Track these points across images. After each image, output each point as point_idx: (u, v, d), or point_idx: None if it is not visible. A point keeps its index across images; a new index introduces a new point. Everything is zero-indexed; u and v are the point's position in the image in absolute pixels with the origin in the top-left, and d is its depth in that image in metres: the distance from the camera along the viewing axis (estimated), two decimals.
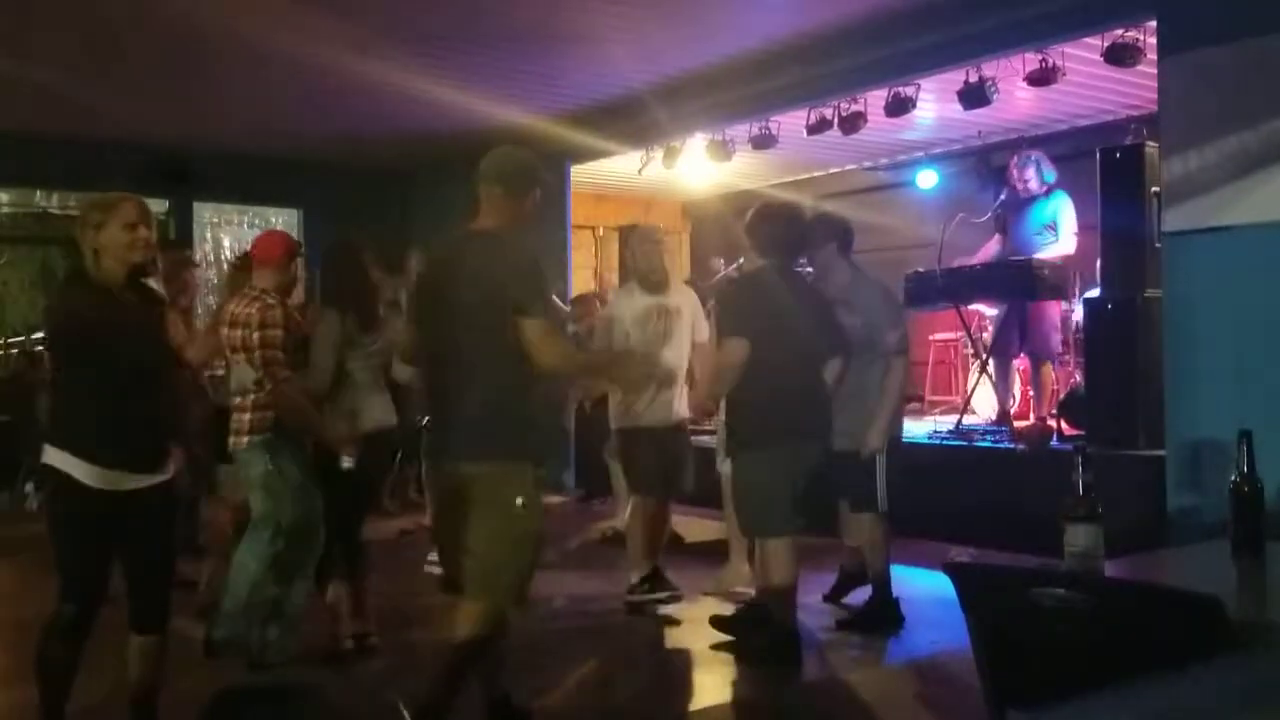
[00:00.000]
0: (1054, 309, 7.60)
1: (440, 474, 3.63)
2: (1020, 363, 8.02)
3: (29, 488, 9.89)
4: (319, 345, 4.66)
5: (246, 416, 4.43)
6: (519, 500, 3.37)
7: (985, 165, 10.05)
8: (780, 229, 4.78)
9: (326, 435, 4.52)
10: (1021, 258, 7.42)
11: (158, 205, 11.77)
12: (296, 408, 4.42)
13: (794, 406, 4.54)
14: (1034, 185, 7.65)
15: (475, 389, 3.39)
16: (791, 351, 4.54)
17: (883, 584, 5.20)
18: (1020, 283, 7.28)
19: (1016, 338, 7.64)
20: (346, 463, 4.56)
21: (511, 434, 3.43)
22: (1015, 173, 7.74)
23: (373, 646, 4.76)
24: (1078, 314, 7.86)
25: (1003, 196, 8.06)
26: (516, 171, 3.69)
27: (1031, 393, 7.82)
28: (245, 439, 4.42)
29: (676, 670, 4.78)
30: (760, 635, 4.70)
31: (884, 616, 5.16)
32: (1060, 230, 7.46)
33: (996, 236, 8.04)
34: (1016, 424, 7.58)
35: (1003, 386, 7.85)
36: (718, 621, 5.00)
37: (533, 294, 3.40)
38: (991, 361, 7.94)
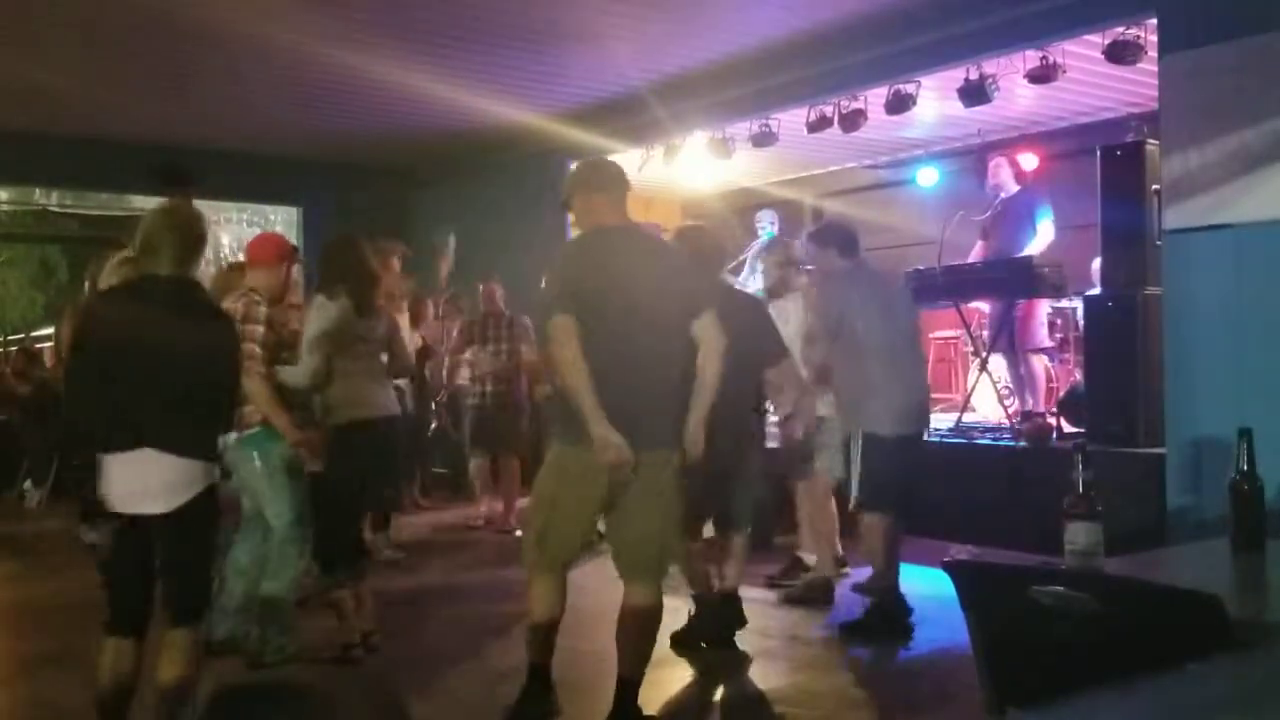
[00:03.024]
0: (1039, 303, 7.63)
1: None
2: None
3: (28, 485, 9.89)
4: (307, 332, 4.64)
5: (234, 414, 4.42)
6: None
7: (985, 163, 10.04)
8: (701, 247, 4.85)
9: (292, 437, 4.48)
10: (1021, 255, 7.44)
11: (156, 203, 11.79)
12: (264, 404, 4.41)
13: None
14: (1005, 179, 7.75)
15: (670, 381, 3.74)
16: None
17: (887, 592, 5.16)
18: (1020, 280, 7.29)
19: (1006, 335, 7.68)
20: (313, 466, 4.54)
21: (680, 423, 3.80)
22: (990, 176, 7.91)
23: (374, 646, 4.76)
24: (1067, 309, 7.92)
25: (1003, 194, 8.08)
26: (618, 177, 3.96)
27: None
28: (233, 436, 4.41)
29: (674, 666, 4.77)
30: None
31: (885, 626, 5.09)
32: (1037, 222, 7.59)
33: (980, 244, 8.11)
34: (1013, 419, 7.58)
35: (1017, 384, 7.84)
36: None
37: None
38: (1004, 363, 7.96)
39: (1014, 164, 7.87)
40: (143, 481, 3.28)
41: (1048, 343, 7.89)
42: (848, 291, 5.21)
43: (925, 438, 5.50)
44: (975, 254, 8.07)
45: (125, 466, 3.28)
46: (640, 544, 3.78)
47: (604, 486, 3.67)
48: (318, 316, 4.64)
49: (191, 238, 3.48)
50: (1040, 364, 7.75)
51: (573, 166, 4.17)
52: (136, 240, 3.53)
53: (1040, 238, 7.54)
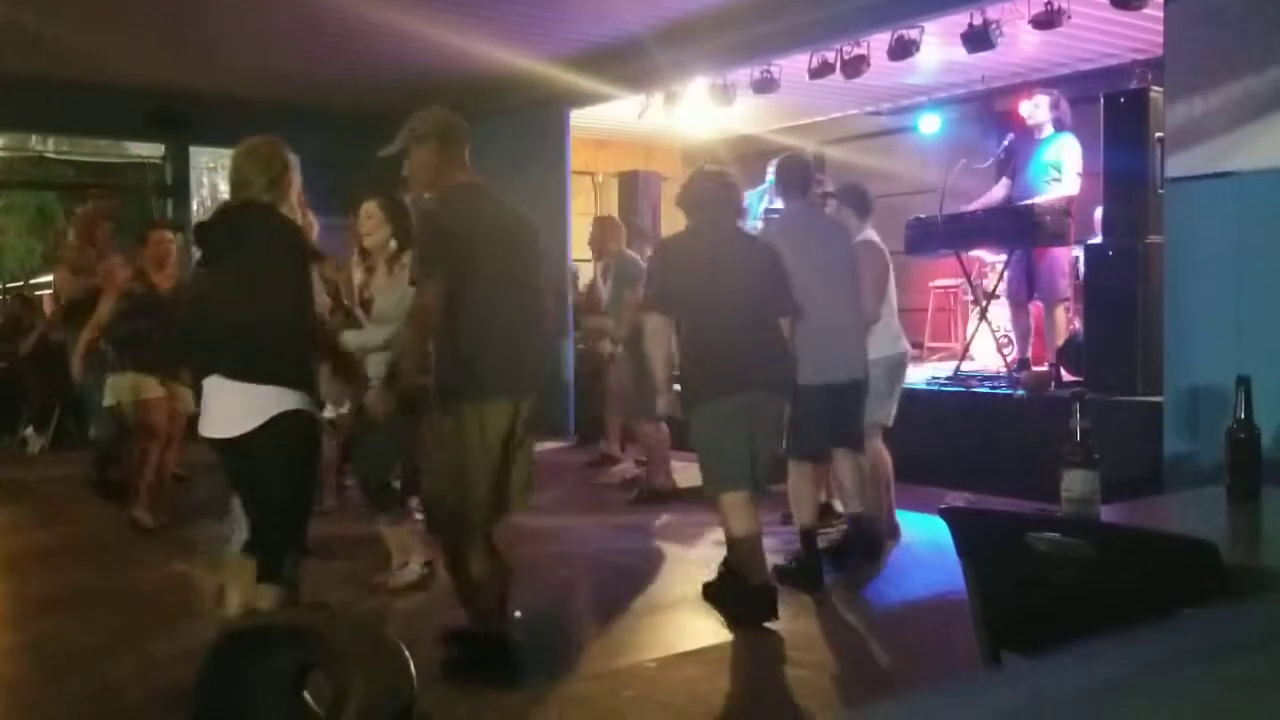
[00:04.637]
0: (1061, 253, 7.50)
1: (509, 407, 3.73)
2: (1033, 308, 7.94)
3: (29, 432, 9.91)
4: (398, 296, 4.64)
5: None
6: None
7: (988, 110, 9.95)
8: (711, 190, 4.66)
9: (366, 395, 4.41)
10: (1023, 204, 7.36)
11: (154, 150, 11.70)
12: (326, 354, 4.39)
13: (735, 359, 4.43)
14: (1043, 119, 7.52)
15: (540, 331, 3.92)
16: (727, 306, 4.45)
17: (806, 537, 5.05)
18: (1021, 229, 7.24)
19: (1026, 283, 7.59)
20: (329, 412, 4.54)
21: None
22: (1025, 105, 7.66)
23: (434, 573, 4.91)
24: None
25: (1007, 141, 7.98)
26: (465, 130, 4.02)
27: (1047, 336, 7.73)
28: None
29: (670, 614, 4.81)
30: (731, 594, 4.58)
31: (802, 574, 4.98)
32: (1064, 170, 7.37)
33: (1003, 180, 7.93)
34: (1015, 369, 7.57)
35: (1018, 333, 7.81)
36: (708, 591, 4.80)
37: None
38: (1009, 309, 7.90)
39: (1056, 106, 7.50)
40: (213, 407, 3.41)
41: (1068, 294, 7.76)
42: (776, 237, 5.03)
43: (856, 385, 5.13)
44: (995, 193, 7.86)
45: (207, 392, 3.44)
46: (524, 480, 3.87)
47: (501, 440, 3.69)
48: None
49: (275, 168, 3.58)
50: (1062, 316, 7.62)
51: (416, 115, 4.07)
52: (230, 180, 3.64)
53: (1065, 185, 7.29)
